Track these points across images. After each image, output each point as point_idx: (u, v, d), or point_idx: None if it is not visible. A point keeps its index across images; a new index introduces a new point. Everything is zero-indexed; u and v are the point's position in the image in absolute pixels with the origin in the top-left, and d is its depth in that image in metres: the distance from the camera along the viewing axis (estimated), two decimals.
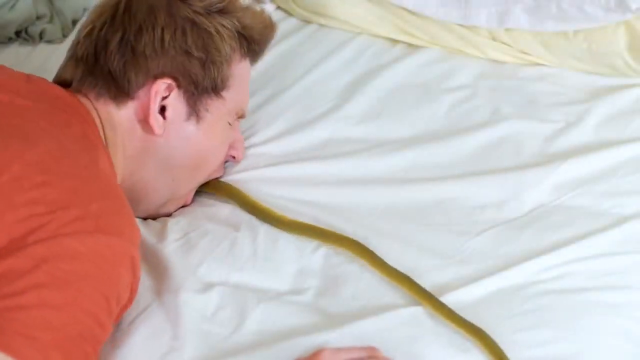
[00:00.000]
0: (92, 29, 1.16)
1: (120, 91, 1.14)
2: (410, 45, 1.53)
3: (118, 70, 1.14)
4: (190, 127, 1.17)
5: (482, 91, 1.43)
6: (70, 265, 0.91)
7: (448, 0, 1.48)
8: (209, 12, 1.17)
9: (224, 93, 1.18)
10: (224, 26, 1.18)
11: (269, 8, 1.63)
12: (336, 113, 1.37)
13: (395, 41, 1.54)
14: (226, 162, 1.28)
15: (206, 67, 1.16)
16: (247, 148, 1.30)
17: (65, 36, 1.59)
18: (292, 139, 1.32)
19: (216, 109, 1.18)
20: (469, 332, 1.04)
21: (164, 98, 1.15)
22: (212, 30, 1.17)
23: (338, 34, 1.55)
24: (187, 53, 1.15)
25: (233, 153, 1.26)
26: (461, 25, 1.50)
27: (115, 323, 1.00)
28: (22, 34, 1.59)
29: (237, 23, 1.19)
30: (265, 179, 1.26)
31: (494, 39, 1.49)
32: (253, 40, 1.22)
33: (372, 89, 1.42)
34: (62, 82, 1.18)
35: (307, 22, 1.60)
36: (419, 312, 1.06)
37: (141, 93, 1.14)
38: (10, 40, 1.59)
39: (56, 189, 0.95)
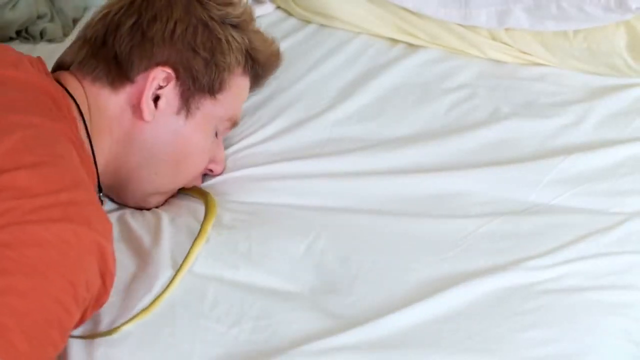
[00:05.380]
0: (107, 13, 1.19)
1: (120, 74, 1.16)
2: (410, 45, 1.53)
3: (124, 53, 1.16)
4: (179, 121, 1.18)
5: (482, 91, 1.43)
6: (35, 251, 0.91)
7: (448, 0, 1.48)
8: (223, 22, 1.20)
9: (218, 96, 1.20)
10: (234, 38, 1.21)
11: (269, 8, 1.63)
12: (336, 112, 1.37)
13: (395, 41, 1.54)
14: (204, 175, 1.28)
15: (209, 67, 1.18)
16: (247, 147, 1.31)
17: (66, 35, 1.60)
18: (292, 138, 1.33)
19: (207, 109, 1.20)
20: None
21: (160, 87, 1.16)
22: (222, 37, 1.19)
23: (338, 34, 1.56)
24: (194, 50, 1.17)
25: (212, 166, 1.27)
26: (461, 25, 1.50)
27: (92, 312, 1.00)
28: (22, 33, 1.60)
29: (247, 41, 1.23)
30: (265, 176, 1.26)
31: (494, 39, 1.49)
32: (258, 63, 1.26)
33: (372, 88, 1.43)
34: (62, 63, 1.20)
35: (307, 22, 1.60)
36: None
37: (140, 78, 1.16)
38: (11, 39, 1.59)
39: (26, 176, 0.95)
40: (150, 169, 1.19)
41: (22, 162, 0.96)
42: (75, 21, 1.63)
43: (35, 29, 1.59)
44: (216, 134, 1.24)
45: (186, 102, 1.18)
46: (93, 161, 1.13)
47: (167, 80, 1.17)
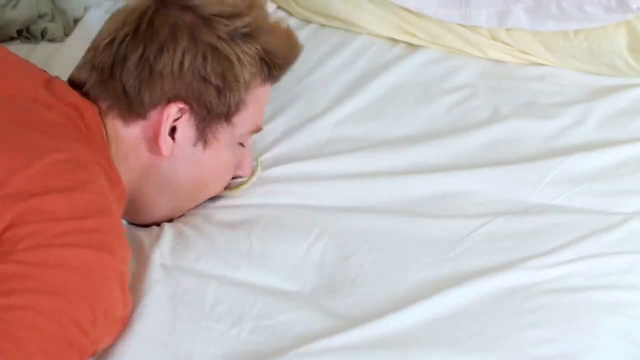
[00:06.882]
0: (113, 40, 1.14)
1: (131, 109, 1.13)
2: (410, 45, 1.53)
3: (133, 88, 1.12)
4: (197, 152, 1.16)
5: (482, 91, 1.43)
6: (59, 273, 0.92)
7: (448, 0, 1.48)
8: (232, 38, 1.15)
9: (234, 119, 1.17)
10: (245, 53, 1.15)
11: (270, 8, 1.63)
12: (337, 112, 1.38)
13: (395, 41, 1.54)
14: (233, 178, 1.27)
15: (222, 94, 1.14)
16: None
17: (66, 35, 1.60)
18: (293, 138, 1.33)
19: (224, 135, 1.17)
20: None
21: (175, 120, 1.14)
22: (233, 57, 1.14)
23: (339, 34, 1.56)
24: (205, 80, 1.13)
25: (239, 173, 1.25)
26: (461, 25, 1.50)
27: (113, 338, 1.01)
28: (23, 33, 1.60)
29: (260, 49, 1.17)
30: (266, 176, 1.26)
31: (494, 38, 1.49)
32: (275, 66, 1.20)
33: (373, 88, 1.43)
34: (76, 82, 1.16)
35: (308, 22, 1.60)
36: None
37: (153, 113, 1.13)
38: (12, 39, 1.59)
39: (55, 200, 0.95)
40: (170, 195, 1.18)
41: (52, 186, 0.96)
42: (76, 21, 1.63)
43: (36, 29, 1.59)
44: (242, 144, 1.22)
45: (202, 133, 1.15)
46: (121, 181, 1.11)
47: (182, 112, 1.13)
